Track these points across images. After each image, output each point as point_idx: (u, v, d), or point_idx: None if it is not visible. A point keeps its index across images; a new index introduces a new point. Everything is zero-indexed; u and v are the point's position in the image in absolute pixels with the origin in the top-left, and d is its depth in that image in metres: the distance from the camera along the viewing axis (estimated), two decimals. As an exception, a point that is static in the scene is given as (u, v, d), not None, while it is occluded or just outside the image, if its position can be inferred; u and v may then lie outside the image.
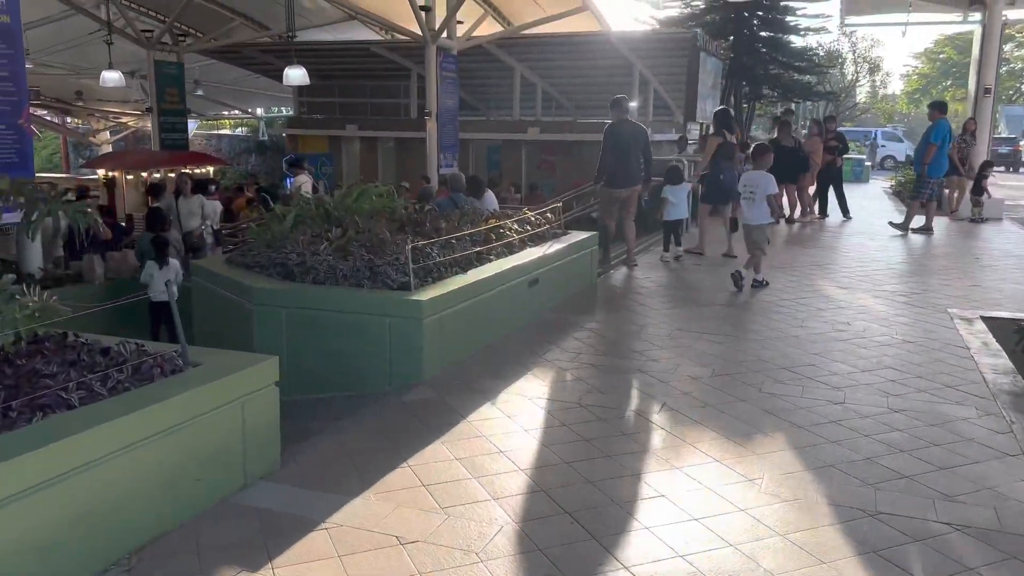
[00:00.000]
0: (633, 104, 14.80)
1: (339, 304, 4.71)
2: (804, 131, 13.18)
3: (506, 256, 6.16)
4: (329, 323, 4.71)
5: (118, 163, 15.30)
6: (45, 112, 29.07)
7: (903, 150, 32.35)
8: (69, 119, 30.13)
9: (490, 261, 5.89)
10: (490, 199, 8.73)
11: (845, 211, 13.05)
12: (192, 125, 35.85)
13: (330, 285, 4.87)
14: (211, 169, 16.69)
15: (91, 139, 29.47)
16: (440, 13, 15.08)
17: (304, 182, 10.70)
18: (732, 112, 10.47)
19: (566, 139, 18.29)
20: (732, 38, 23.05)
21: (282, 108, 28.94)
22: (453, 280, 5.17)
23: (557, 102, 20.47)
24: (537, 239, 7.00)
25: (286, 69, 12.45)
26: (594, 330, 5.92)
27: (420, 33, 14.64)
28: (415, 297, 4.61)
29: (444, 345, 4.78)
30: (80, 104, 26.20)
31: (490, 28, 17.16)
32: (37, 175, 28.51)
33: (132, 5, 18.26)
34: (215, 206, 10.87)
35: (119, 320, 8.84)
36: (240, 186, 16.28)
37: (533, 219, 7.17)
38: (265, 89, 23.20)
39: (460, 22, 16.23)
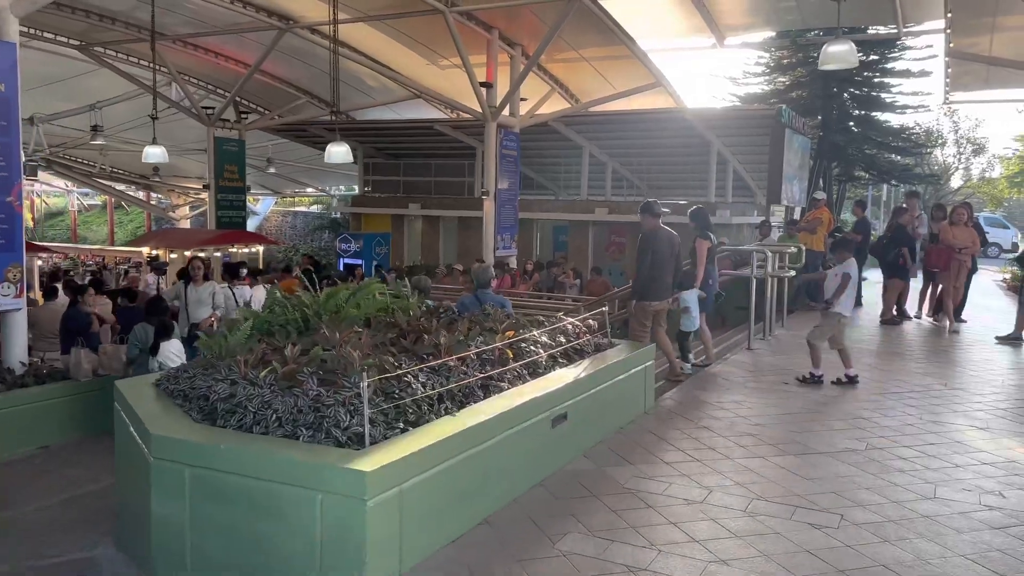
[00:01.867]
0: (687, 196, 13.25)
1: (254, 467, 3.26)
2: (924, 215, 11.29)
3: (526, 381, 4.69)
4: (243, 494, 3.27)
5: (161, 241, 14.75)
6: (130, 187, 29.75)
7: (1008, 237, 29.71)
8: (154, 194, 30.69)
9: (501, 390, 4.42)
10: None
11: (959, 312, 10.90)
12: (270, 202, 36.38)
13: (257, 433, 3.48)
14: (260, 249, 15.91)
15: (170, 214, 29.84)
16: (503, 90, 14.28)
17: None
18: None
19: (637, 220, 16.93)
20: (820, 116, 21.44)
21: (355, 186, 28.79)
22: (434, 427, 3.70)
23: (629, 181, 19.21)
24: (575, 352, 5.53)
25: (328, 146, 11.56)
26: (640, 494, 4.30)
27: (481, 110, 13.87)
28: (356, 465, 3.11)
29: (407, 533, 3.27)
30: (158, 180, 26.59)
31: (557, 105, 16.24)
32: (121, 248, 28.72)
33: (199, 82, 18.24)
34: (243, 293, 9.84)
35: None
36: (288, 266, 15.39)
37: (570, 328, 5.69)
38: (338, 167, 22.89)
39: (524, 99, 15.43)
